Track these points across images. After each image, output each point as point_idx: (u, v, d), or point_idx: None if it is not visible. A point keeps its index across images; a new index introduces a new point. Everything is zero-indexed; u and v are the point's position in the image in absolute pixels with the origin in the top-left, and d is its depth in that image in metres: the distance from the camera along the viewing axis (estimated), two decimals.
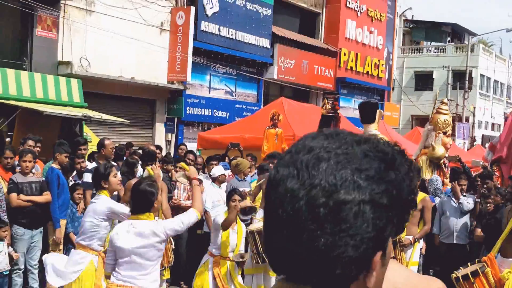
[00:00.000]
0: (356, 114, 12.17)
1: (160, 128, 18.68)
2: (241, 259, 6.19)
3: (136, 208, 4.43)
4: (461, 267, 6.29)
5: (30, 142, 7.80)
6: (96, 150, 8.93)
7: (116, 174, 5.41)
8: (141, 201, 4.39)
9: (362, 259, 0.90)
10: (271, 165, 8.07)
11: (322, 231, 0.87)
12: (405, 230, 7.05)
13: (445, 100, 12.97)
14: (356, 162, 0.90)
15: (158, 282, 4.36)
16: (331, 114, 10.50)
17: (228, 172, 9.27)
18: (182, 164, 5.26)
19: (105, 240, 5.33)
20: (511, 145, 10.79)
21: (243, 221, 6.50)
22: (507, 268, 5.79)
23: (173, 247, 6.83)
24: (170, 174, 8.81)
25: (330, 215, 0.87)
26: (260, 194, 7.65)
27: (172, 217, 5.43)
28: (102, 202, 5.21)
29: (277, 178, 0.93)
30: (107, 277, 4.46)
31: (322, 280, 0.91)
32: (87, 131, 11.78)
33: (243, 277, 6.86)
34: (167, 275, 6.70)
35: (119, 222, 4.91)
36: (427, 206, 7.34)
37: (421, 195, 7.25)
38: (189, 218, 4.46)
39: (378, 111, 10.62)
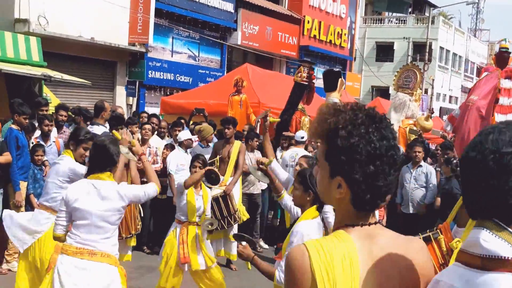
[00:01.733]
0: (318, 83, 12.17)
1: (121, 91, 18.27)
2: (210, 227, 6.12)
3: (96, 166, 4.16)
4: (419, 234, 6.42)
5: None
6: (54, 112, 8.71)
7: (87, 147, 5.16)
8: (101, 158, 4.14)
9: None
10: (226, 130, 8.01)
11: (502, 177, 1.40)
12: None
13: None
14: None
15: (117, 246, 4.20)
16: (305, 83, 10.42)
17: (194, 137, 9.16)
18: (114, 132, 5.03)
19: None
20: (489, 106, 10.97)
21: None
22: (458, 238, 5.97)
23: (142, 215, 6.72)
24: (133, 136, 8.64)
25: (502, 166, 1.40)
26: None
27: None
28: (65, 163, 5.02)
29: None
30: (56, 238, 4.22)
31: (504, 213, 1.42)
32: (47, 92, 11.40)
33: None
34: (133, 242, 6.59)
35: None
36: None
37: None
38: (149, 190, 4.33)
39: (340, 79, 10.59)
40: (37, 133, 7.86)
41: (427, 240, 5.98)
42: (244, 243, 3.99)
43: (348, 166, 1.65)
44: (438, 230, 6.04)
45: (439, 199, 8.65)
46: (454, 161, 8.57)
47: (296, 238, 3.88)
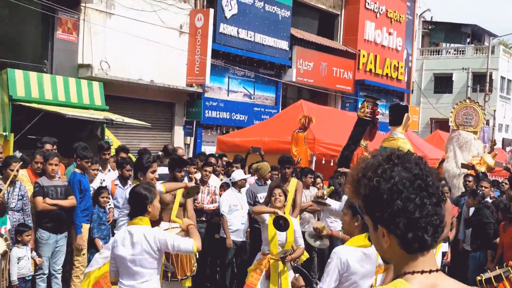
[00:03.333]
0: (382, 118, 12.10)
1: (179, 131, 18.69)
2: (283, 254, 6.08)
3: (132, 213, 4.34)
4: (488, 271, 6.23)
5: (48, 146, 7.79)
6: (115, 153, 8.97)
7: (154, 170, 5.35)
8: (134, 205, 4.31)
9: None
10: (286, 170, 8.00)
11: None
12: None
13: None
14: None
15: None
16: (368, 119, 10.39)
17: (250, 177, 9.24)
18: (176, 219, 5.14)
19: None
20: None
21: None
22: None
23: (198, 257, 6.78)
24: (191, 176, 8.81)
25: None
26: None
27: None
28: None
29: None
30: (113, 283, 4.41)
31: None
32: (108, 134, 11.80)
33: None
34: (188, 283, 6.65)
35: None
36: (447, 209, 7.25)
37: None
38: (185, 245, 4.27)
39: (406, 114, 10.50)
40: (114, 175, 8.12)
41: (498, 279, 5.80)
42: (297, 275, 4.03)
43: (379, 210, 1.65)
44: (510, 268, 5.84)
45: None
46: (480, 192, 8.44)
47: (332, 262, 3.94)
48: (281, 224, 6.01)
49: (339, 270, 3.96)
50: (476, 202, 8.36)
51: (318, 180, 9.58)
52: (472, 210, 8.64)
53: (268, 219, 6.15)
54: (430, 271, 1.64)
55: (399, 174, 1.63)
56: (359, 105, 11.23)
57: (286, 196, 6.13)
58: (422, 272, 1.63)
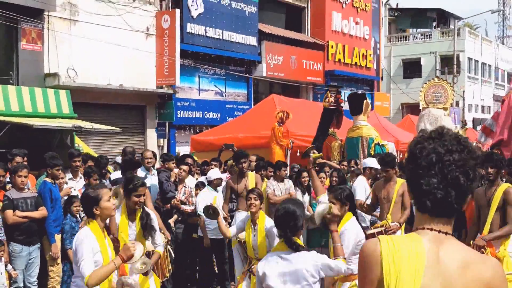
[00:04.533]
0: (347, 106, 12.19)
1: (151, 134, 18.58)
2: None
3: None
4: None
5: (18, 159, 7.68)
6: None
7: (140, 194, 5.15)
8: (84, 207, 4.43)
9: None
10: (243, 165, 8.01)
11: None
12: (391, 216, 7.12)
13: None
14: None
15: None
16: (333, 107, 10.46)
17: (225, 175, 9.23)
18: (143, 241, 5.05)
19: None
20: (511, 127, 10.81)
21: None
22: (499, 246, 5.95)
23: (173, 256, 6.75)
24: (170, 172, 8.79)
25: None
26: None
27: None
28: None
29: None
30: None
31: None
32: (79, 142, 11.70)
33: None
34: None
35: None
36: (407, 190, 7.28)
37: (399, 181, 7.28)
38: (82, 270, 3.95)
39: (365, 102, 10.60)
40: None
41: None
42: None
43: (407, 171, 1.95)
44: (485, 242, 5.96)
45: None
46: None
47: (349, 233, 4.71)
48: (210, 212, 6.11)
49: (355, 241, 4.71)
50: None
51: (322, 174, 9.21)
52: None
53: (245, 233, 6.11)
54: (440, 231, 1.84)
55: (428, 145, 1.88)
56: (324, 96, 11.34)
57: (261, 199, 6.00)
58: (432, 229, 1.85)
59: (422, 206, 1.86)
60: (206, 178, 8.73)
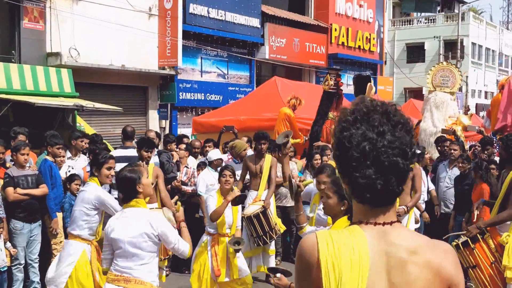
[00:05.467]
0: (350, 89, 12.16)
1: (153, 115, 18.57)
2: (237, 246, 6.13)
3: (124, 197, 4.32)
4: (462, 236, 6.31)
5: (22, 137, 7.68)
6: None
7: (110, 166, 5.30)
8: (125, 189, 4.29)
9: None
10: (262, 146, 8.01)
11: None
12: (399, 199, 7.03)
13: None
14: None
15: (155, 274, 4.22)
16: (333, 91, 10.42)
17: (225, 156, 9.23)
18: (178, 204, 5.12)
19: (96, 230, 5.27)
20: None
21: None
22: (506, 232, 5.80)
23: None
24: (172, 153, 8.80)
25: None
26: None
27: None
28: (91, 190, 5.14)
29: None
30: (104, 273, 4.35)
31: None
32: (80, 122, 11.69)
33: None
34: (165, 262, 6.67)
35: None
36: (417, 173, 7.26)
37: None
38: (183, 248, 4.28)
39: (368, 84, 10.56)
40: (84, 161, 8.04)
41: (474, 240, 5.89)
42: (278, 275, 3.93)
43: (336, 160, 1.72)
44: (484, 229, 5.93)
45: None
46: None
47: None
48: (237, 200, 6.17)
49: None
50: (466, 166, 8.34)
51: (325, 158, 9.18)
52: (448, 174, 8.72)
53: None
54: (384, 224, 1.69)
55: (356, 130, 1.66)
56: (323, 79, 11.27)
57: (235, 177, 6.25)
58: (375, 224, 1.69)
59: (361, 198, 1.67)
60: (206, 159, 8.74)
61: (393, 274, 1.63)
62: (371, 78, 10.38)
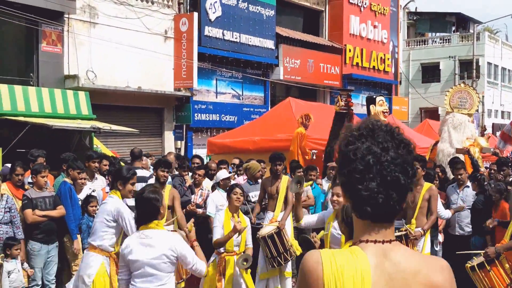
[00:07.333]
0: (364, 110, 12.16)
1: (169, 136, 18.71)
2: (245, 264, 6.14)
3: (143, 217, 4.31)
4: (474, 257, 6.28)
5: (41, 159, 7.81)
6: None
7: (134, 182, 5.42)
8: (146, 209, 4.28)
9: None
10: (278, 167, 8.04)
11: None
12: (415, 222, 6.98)
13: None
14: None
15: None
16: (344, 111, 10.46)
17: (241, 178, 9.29)
18: (191, 225, 5.19)
19: (116, 241, 5.32)
20: None
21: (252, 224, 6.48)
22: None
23: None
24: (185, 178, 8.87)
25: None
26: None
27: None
28: (113, 202, 5.21)
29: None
30: None
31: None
32: (97, 143, 11.82)
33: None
34: (181, 285, 6.70)
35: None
36: (433, 195, 7.19)
37: (426, 185, 7.12)
38: (201, 267, 4.38)
39: (370, 106, 10.59)
40: (102, 182, 8.14)
41: (490, 262, 5.86)
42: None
43: (339, 173, 1.78)
44: (489, 250, 5.89)
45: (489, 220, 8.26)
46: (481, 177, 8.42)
47: None
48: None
49: None
50: (475, 186, 8.34)
51: (313, 172, 9.51)
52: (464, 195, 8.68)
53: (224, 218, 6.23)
54: (383, 242, 1.73)
55: (361, 144, 1.72)
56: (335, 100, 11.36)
57: (244, 196, 6.39)
58: (375, 241, 1.72)
59: (362, 213, 1.71)
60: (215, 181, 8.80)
61: None
62: (374, 98, 10.37)
